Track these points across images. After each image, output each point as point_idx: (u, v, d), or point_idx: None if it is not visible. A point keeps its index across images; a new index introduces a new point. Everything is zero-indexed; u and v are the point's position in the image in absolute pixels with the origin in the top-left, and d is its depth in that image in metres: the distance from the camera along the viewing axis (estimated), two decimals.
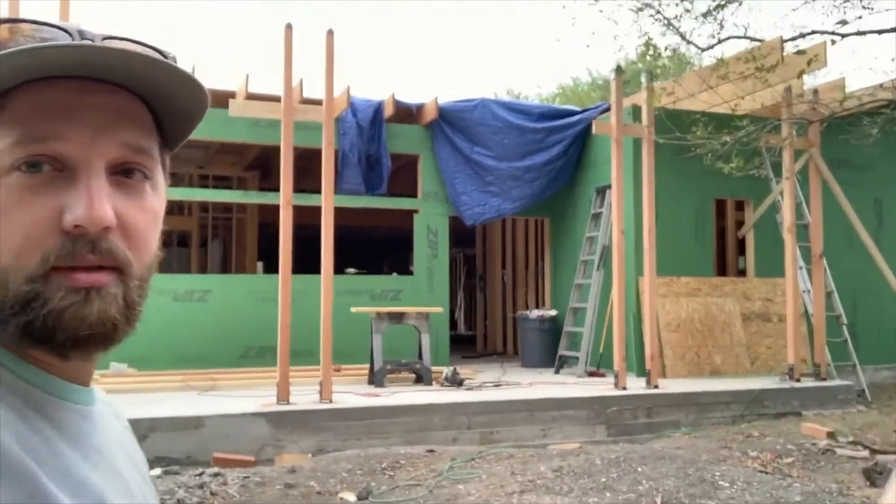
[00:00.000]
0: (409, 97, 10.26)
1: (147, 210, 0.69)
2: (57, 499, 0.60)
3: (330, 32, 7.02)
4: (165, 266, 12.38)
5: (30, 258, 0.62)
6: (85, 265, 0.64)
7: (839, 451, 6.17)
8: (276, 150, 8.56)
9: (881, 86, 7.70)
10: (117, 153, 0.66)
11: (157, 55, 0.66)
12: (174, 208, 12.25)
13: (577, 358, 9.21)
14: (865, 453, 6.05)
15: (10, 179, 0.63)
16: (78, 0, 8.69)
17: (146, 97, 0.69)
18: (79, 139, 0.64)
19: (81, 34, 0.65)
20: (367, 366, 8.26)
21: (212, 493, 4.84)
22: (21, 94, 0.64)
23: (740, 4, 7.88)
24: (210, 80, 9.77)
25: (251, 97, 9.03)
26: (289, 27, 6.84)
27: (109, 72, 0.65)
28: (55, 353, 0.65)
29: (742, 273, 10.57)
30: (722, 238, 10.78)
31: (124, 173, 0.67)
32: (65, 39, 0.64)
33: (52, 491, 0.60)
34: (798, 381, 8.30)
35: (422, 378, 8.07)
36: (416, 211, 10.27)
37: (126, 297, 0.67)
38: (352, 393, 7.26)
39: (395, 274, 11.55)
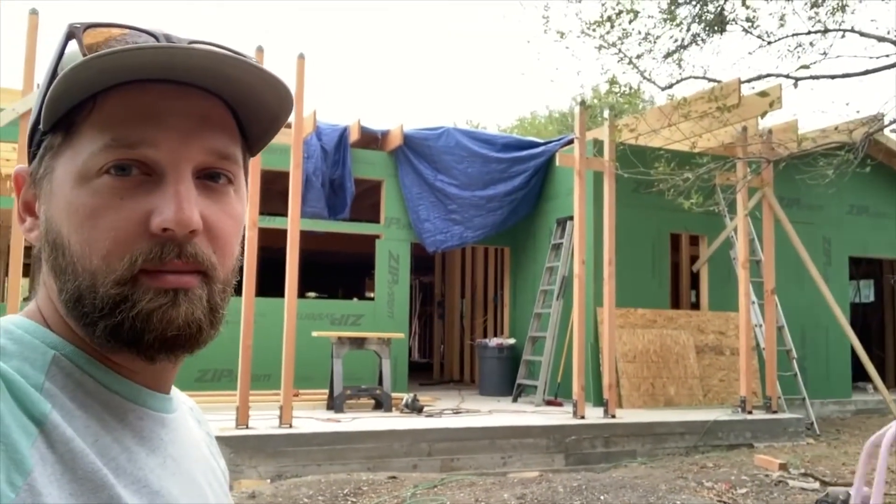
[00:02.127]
0: (374, 123, 10.33)
1: (231, 215, 0.69)
2: None
3: (301, 57, 7.05)
4: None
5: (117, 261, 0.63)
6: (172, 269, 0.64)
7: (791, 482, 6.32)
8: None
9: (836, 128, 8.00)
10: (204, 158, 0.67)
11: (244, 57, 0.66)
12: None
13: (535, 387, 9.27)
14: (816, 485, 6.21)
15: (100, 182, 0.64)
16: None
17: (230, 101, 0.69)
18: (168, 144, 0.65)
19: (168, 38, 0.66)
20: (326, 390, 8.20)
21: None
22: (110, 98, 0.64)
23: (701, 47, 8.13)
24: None
25: None
26: (259, 50, 6.85)
27: (199, 74, 0.65)
28: (142, 355, 0.65)
29: (695, 306, 10.79)
30: (676, 271, 11.00)
31: (210, 178, 0.68)
32: (152, 43, 0.64)
33: (126, 500, 0.60)
34: (750, 413, 8.48)
35: (381, 404, 8.04)
36: (378, 236, 10.29)
37: (210, 300, 0.67)
38: (312, 418, 7.20)
39: (355, 299, 11.52)
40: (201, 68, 0.65)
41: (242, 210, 0.72)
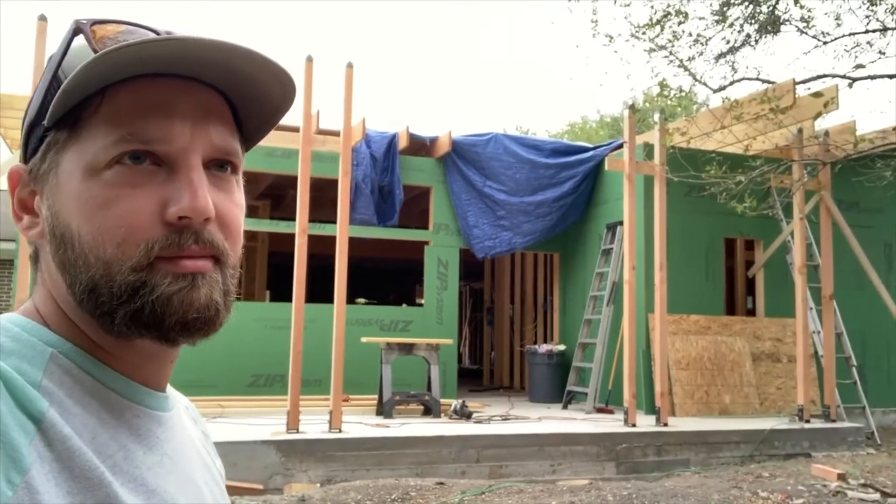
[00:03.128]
0: (423, 130, 10.37)
1: (238, 204, 0.71)
2: None
3: (349, 65, 7.13)
4: None
5: (133, 249, 0.64)
6: (190, 255, 0.65)
7: (850, 493, 6.12)
8: (289, 179, 8.65)
9: (894, 129, 7.76)
10: (209, 150, 0.68)
11: (252, 49, 0.66)
12: None
13: (585, 394, 9.17)
14: (877, 496, 6.01)
15: (111, 173, 0.64)
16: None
17: (232, 94, 0.70)
18: (179, 136, 0.66)
19: (169, 34, 0.67)
20: (375, 396, 8.24)
21: None
22: (119, 92, 0.65)
23: (754, 48, 7.98)
24: None
25: None
26: (309, 59, 6.95)
27: (208, 67, 0.66)
28: (163, 338, 0.66)
29: (751, 313, 10.56)
30: (731, 277, 10.78)
31: (217, 167, 0.69)
32: (167, 36, 0.65)
33: (123, 498, 0.60)
34: (808, 422, 8.26)
35: (430, 410, 8.04)
36: (427, 243, 10.32)
37: (224, 284, 0.68)
38: (361, 423, 7.24)
39: (404, 305, 11.56)
40: (211, 61, 0.65)
41: (244, 200, 0.74)
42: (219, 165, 0.69)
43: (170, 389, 0.77)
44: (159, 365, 0.72)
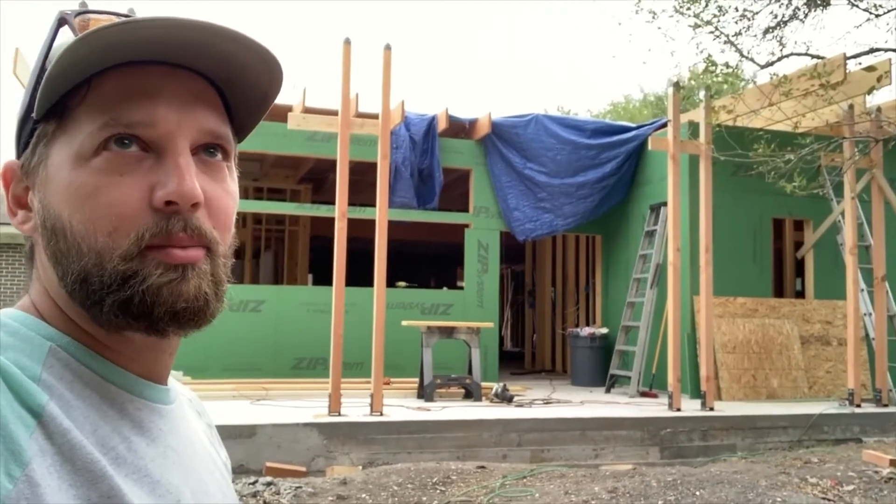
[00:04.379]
0: (462, 112, 10.29)
1: (228, 191, 0.70)
2: (130, 499, 0.60)
3: (388, 48, 7.08)
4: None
5: (124, 237, 0.63)
6: (178, 244, 0.64)
7: None
8: (330, 163, 8.66)
9: None
10: (196, 135, 0.67)
11: (237, 30, 0.65)
12: None
13: (628, 377, 9.07)
14: None
15: (98, 160, 0.64)
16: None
17: (220, 81, 0.69)
18: (166, 121, 0.65)
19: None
20: (417, 379, 8.26)
21: (265, 503, 4.86)
22: (105, 80, 0.65)
23: (803, 22, 7.73)
24: None
25: (308, 111, 9.14)
26: (347, 42, 6.92)
27: (194, 51, 0.65)
28: (153, 329, 0.65)
29: (800, 295, 10.32)
30: (779, 258, 10.54)
31: (206, 152, 0.68)
32: (148, 16, 0.64)
33: (125, 491, 0.60)
34: (858, 406, 8.05)
35: (471, 393, 8.03)
36: (467, 225, 10.27)
37: (215, 274, 0.68)
38: (402, 406, 7.26)
39: (444, 288, 11.55)
40: (197, 43, 0.64)
41: (237, 189, 0.72)
42: (208, 150, 0.68)
43: (172, 382, 0.76)
44: (157, 356, 0.71)
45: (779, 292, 10.35)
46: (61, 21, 0.68)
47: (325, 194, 12.27)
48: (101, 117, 0.64)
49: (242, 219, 12.66)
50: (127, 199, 0.63)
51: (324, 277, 9.65)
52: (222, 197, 0.69)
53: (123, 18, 0.64)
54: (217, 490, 0.74)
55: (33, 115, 0.67)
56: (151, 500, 0.63)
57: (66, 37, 0.67)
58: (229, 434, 5.94)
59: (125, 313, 0.64)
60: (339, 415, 6.50)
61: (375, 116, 7.29)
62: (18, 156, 0.70)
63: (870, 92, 7.98)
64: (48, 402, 0.58)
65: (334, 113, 7.29)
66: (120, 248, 0.63)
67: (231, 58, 0.66)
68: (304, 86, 10.28)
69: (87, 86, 0.65)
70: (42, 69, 0.66)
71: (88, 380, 0.64)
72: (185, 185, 0.64)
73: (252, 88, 0.71)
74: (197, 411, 0.83)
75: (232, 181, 0.71)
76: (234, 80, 0.69)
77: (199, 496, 0.70)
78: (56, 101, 0.66)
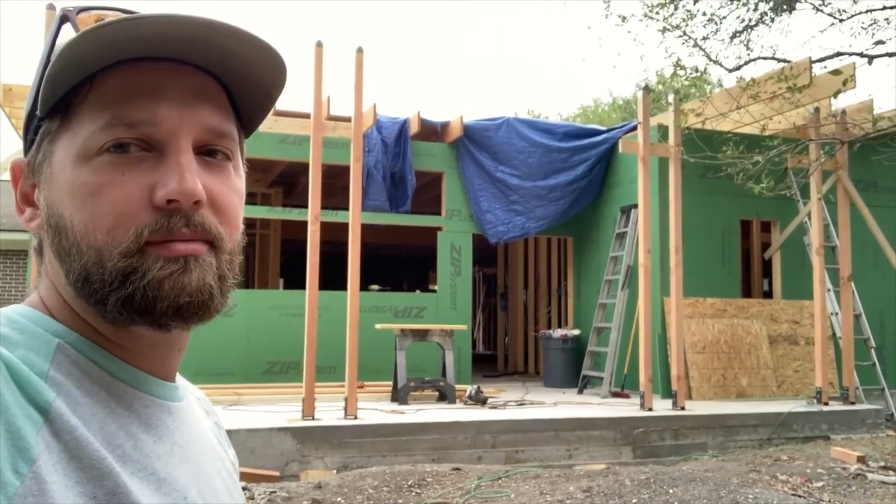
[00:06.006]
0: (434, 115, 10.31)
1: (233, 189, 0.70)
2: (137, 496, 0.60)
3: (360, 50, 7.07)
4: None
5: (122, 235, 0.63)
6: (180, 238, 0.64)
7: (870, 475, 6.07)
8: (301, 166, 8.62)
9: None
10: (201, 135, 0.67)
11: (239, 27, 0.65)
12: None
13: (600, 378, 9.14)
14: None
15: (100, 160, 0.64)
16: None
17: (224, 78, 0.69)
18: (168, 119, 0.65)
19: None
20: (390, 382, 8.24)
21: None
22: (108, 77, 0.64)
23: (769, 26, 7.86)
24: None
25: (279, 114, 9.09)
26: (319, 45, 6.89)
27: (197, 47, 0.65)
28: (156, 324, 0.65)
29: (768, 295, 10.47)
30: (747, 259, 10.69)
31: (208, 154, 0.68)
32: (152, 13, 0.64)
33: (132, 488, 0.60)
34: (826, 404, 8.19)
35: (445, 396, 8.03)
36: (439, 228, 10.28)
37: (219, 268, 0.67)
38: (376, 409, 7.24)
39: (417, 291, 11.54)
40: (200, 40, 0.64)
41: (243, 186, 0.72)
42: (210, 153, 0.68)
43: (180, 380, 0.76)
44: (165, 353, 0.71)
45: (747, 293, 10.49)
46: (63, 18, 0.67)
47: (296, 198, 12.20)
48: (103, 115, 0.64)
49: None
50: (127, 198, 0.63)
51: (295, 281, 9.59)
52: (226, 193, 0.68)
53: (125, 15, 0.65)
54: (223, 488, 0.74)
55: (37, 112, 0.67)
56: (158, 498, 0.63)
57: (68, 34, 0.66)
58: None
59: (128, 310, 0.63)
60: (313, 419, 6.47)
61: (347, 119, 7.27)
62: (26, 153, 0.70)
63: (835, 95, 8.14)
64: (55, 399, 0.58)
65: (306, 116, 7.26)
66: (119, 245, 0.63)
67: (234, 54, 0.66)
68: None
69: (90, 83, 0.64)
70: (45, 67, 0.66)
71: (96, 377, 0.64)
72: (186, 183, 0.64)
73: (256, 84, 0.70)
74: (205, 409, 0.83)
75: (238, 178, 0.71)
76: (238, 76, 0.69)
77: (206, 494, 0.70)
78: (60, 99, 0.65)
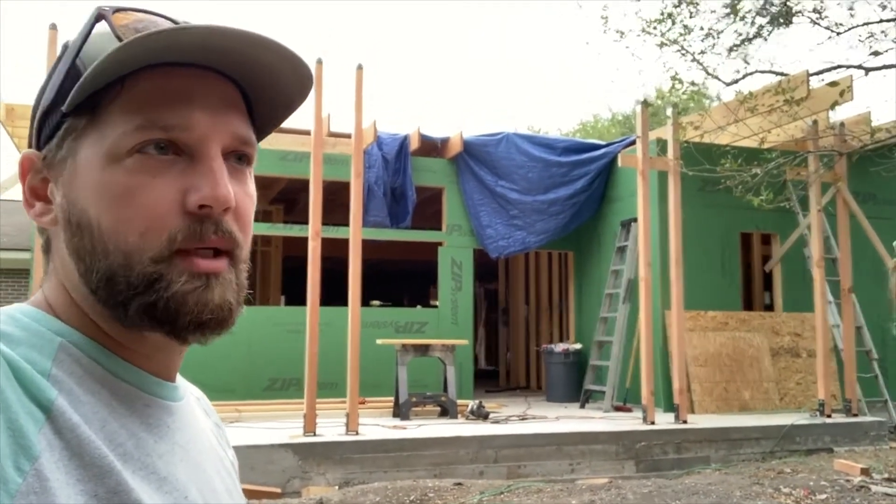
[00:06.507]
0: (434, 131, 10.35)
1: (250, 195, 0.71)
2: (138, 494, 0.60)
3: (359, 67, 7.12)
4: None
5: (156, 239, 0.63)
6: (209, 247, 0.65)
7: (874, 487, 6.04)
8: (302, 183, 8.66)
9: None
10: (229, 141, 0.68)
11: (275, 40, 0.66)
12: None
13: (603, 392, 9.12)
14: None
15: (132, 161, 0.64)
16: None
17: (248, 85, 0.70)
18: (200, 125, 0.65)
19: (187, 24, 0.66)
20: (392, 398, 8.23)
21: None
22: (140, 80, 0.65)
23: (766, 40, 7.91)
24: None
25: (280, 130, 9.14)
26: (319, 62, 6.94)
27: (228, 57, 0.66)
28: (175, 335, 0.66)
29: (769, 308, 10.46)
30: (748, 272, 10.69)
31: (236, 159, 0.69)
32: (196, 24, 0.64)
33: (133, 486, 0.60)
34: (829, 416, 8.16)
35: (447, 411, 8.02)
36: (440, 244, 10.30)
37: (238, 281, 0.68)
38: (378, 425, 7.22)
39: (419, 306, 11.55)
40: (236, 51, 0.65)
41: (255, 191, 0.73)
42: (237, 157, 0.69)
43: (180, 380, 0.77)
44: (169, 355, 0.72)
45: (748, 306, 10.49)
46: (99, 16, 0.67)
47: (297, 214, 12.23)
48: (136, 118, 0.64)
49: None
50: (160, 202, 0.64)
51: (296, 298, 9.60)
52: (245, 200, 0.69)
53: (174, 24, 0.66)
54: (223, 487, 0.75)
55: (63, 108, 0.66)
56: (158, 496, 0.63)
57: (102, 32, 0.67)
58: None
59: (149, 317, 0.64)
60: (315, 435, 6.46)
61: (348, 136, 7.32)
62: (38, 147, 0.70)
63: (833, 107, 8.18)
64: (57, 398, 0.59)
65: (307, 132, 7.30)
66: (151, 249, 0.63)
67: (265, 66, 0.67)
68: None
69: (121, 84, 0.65)
70: (73, 63, 0.66)
71: (98, 376, 0.64)
72: (220, 189, 0.64)
73: (279, 95, 0.71)
74: (205, 409, 0.84)
75: (252, 183, 0.72)
76: (263, 86, 0.70)
77: (206, 493, 0.70)
78: (87, 97, 0.65)
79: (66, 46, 0.70)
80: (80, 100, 0.65)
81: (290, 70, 0.68)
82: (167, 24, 0.67)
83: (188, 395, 0.77)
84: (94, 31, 0.67)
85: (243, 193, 0.69)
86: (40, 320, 0.65)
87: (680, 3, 7.91)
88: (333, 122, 9.18)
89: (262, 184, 11.38)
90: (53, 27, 6.09)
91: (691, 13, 7.83)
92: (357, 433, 6.58)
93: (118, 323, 0.66)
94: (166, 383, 0.71)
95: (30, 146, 0.72)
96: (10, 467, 0.53)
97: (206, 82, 0.67)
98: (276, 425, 7.08)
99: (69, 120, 0.67)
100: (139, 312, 0.64)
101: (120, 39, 0.64)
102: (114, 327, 0.67)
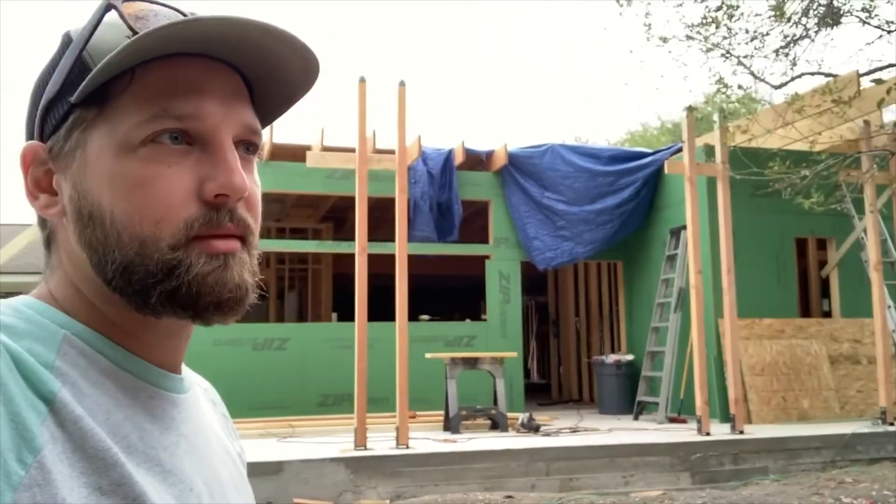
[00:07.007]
0: (479, 145, 10.39)
1: (257, 183, 0.71)
2: (142, 487, 0.60)
3: (402, 84, 7.20)
4: (243, 316, 12.66)
5: (172, 227, 0.64)
6: (225, 233, 0.66)
7: None
8: (350, 200, 8.77)
9: None
10: (239, 130, 0.68)
11: (290, 33, 0.66)
12: None
13: (656, 403, 8.98)
14: None
15: (146, 151, 0.64)
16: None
17: (255, 76, 0.70)
18: (213, 116, 0.66)
19: (194, 14, 0.67)
20: (442, 412, 8.23)
21: None
22: (151, 71, 0.65)
23: (813, 40, 7.76)
24: (287, 135, 10.10)
25: (326, 149, 9.28)
26: (362, 81, 7.04)
27: (240, 47, 0.66)
28: (198, 317, 0.66)
29: (827, 314, 10.20)
30: (804, 278, 10.45)
31: (245, 149, 0.70)
32: (214, 15, 0.64)
33: (137, 478, 0.60)
34: (892, 424, 7.91)
35: (497, 424, 7.99)
36: (487, 257, 10.30)
37: (251, 264, 0.69)
38: (428, 439, 7.24)
39: (468, 320, 11.55)
40: (248, 42, 0.65)
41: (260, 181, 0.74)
42: (245, 147, 0.70)
43: (187, 371, 0.77)
44: (177, 343, 0.72)
45: (805, 312, 10.24)
46: (108, 6, 0.67)
47: (347, 232, 12.35)
48: (149, 108, 0.64)
49: (266, 259, 12.79)
50: (176, 190, 0.64)
51: (348, 315, 9.72)
52: (254, 188, 0.70)
53: (187, 15, 0.67)
54: (229, 479, 0.75)
55: (71, 99, 0.66)
56: (163, 488, 0.63)
57: (112, 22, 0.67)
58: (256, 471, 5.96)
59: (172, 303, 0.64)
60: (366, 449, 6.50)
61: (393, 152, 7.38)
62: (40, 138, 0.69)
63: (879, 105, 7.96)
64: (60, 390, 0.58)
65: (352, 150, 7.40)
66: (167, 237, 0.64)
67: (275, 57, 0.67)
68: (322, 125, 10.44)
69: (130, 74, 0.64)
70: (80, 54, 0.66)
71: (103, 367, 0.64)
72: (236, 179, 0.65)
73: (285, 86, 0.72)
74: (212, 401, 0.84)
75: (256, 172, 0.73)
76: (269, 77, 0.70)
77: (212, 485, 0.70)
78: (96, 87, 0.65)
79: (67, 36, 0.69)
80: (90, 90, 0.64)
81: (300, 62, 0.68)
82: (173, 14, 0.68)
83: (194, 387, 0.77)
84: (104, 21, 0.67)
85: (251, 181, 0.69)
86: (44, 312, 0.65)
87: (720, 7, 7.81)
88: (380, 137, 9.29)
89: (311, 202, 11.57)
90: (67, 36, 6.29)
91: (731, 16, 7.73)
92: (407, 447, 6.60)
93: (134, 312, 0.66)
94: (172, 375, 0.71)
95: (28, 137, 0.71)
96: (13, 460, 0.53)
97: (217, 73, 0.67)
98: (329, 440, 7.15)
99: (78, 111, 0.66)
100: (161, 299, 0.64)
101: (132, 30, 0.64)
102: (126, 317, 0.67)
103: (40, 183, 0.69)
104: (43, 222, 0.71)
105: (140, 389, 0.67)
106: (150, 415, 0.66)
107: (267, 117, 0.75)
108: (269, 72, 0.69)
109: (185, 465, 0.67)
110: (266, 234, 12.30)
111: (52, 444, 0.56)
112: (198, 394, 0.78)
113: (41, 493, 0.53)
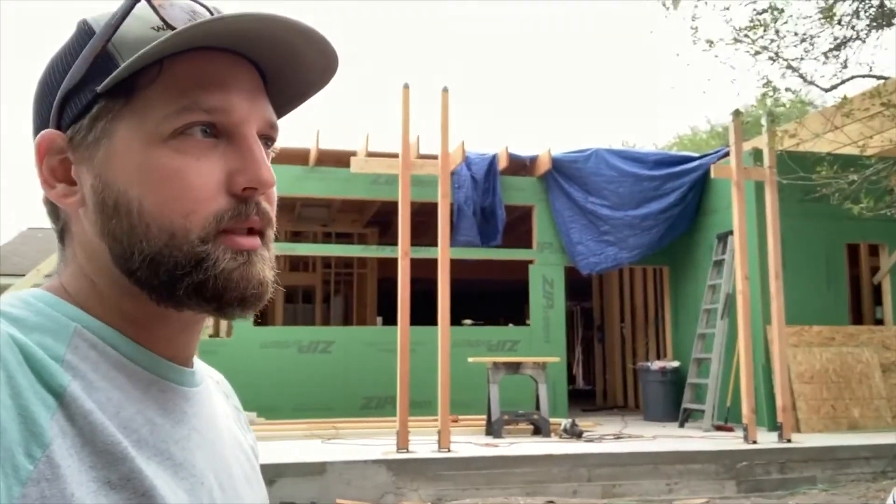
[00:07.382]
0: (522, 150, 10.39)
1: (274, 178, 0.71)
2: (153, 481, 0.60)
3: (445, 90, 7.26)
4: (290, 319, 12.87)
5: (202, 219, 0.64)
6: (252, 226, 0.67)
7: None
8: (395, 205, 8.86)
9: None
10: (262, 125, 0.69)
11: (316, 30, 0.66)
12: (299, 265, 12.76)
13: (702, 411, 8.87)
14: None
15: (175, 143, 0.64)
16: None
17: (274, 72, 0.71)
18: (239, 110, 0.67)
19: (216, 10, 0.69)
20: (484, 416, 8.25)
21: None
22: (179, 63, 0.65)
23: (864, 41, 7.60)
24: (331, 141, 10.25)
25: (371, 155, 9.39)
26: (406, 87, 7.12)
27: (267, 43, 0.66)
28: (221, 311, 0.66)
29: (880, 322, 9.96)
30: (856, 285, 10.21)
31: (265, 143, 0.70)
32: (253, 11, 0.64)
33: (148, 473, 0.60)
34: None
35: (540, 429, 7.98)
36: (531, 262, 10.29)
37: (271, 259, 0.70)
38: (470, 443, 7.26)
39: (511, 325, 11.56)
40: (274, 38, 0.66)
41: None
42: (264, 141, 0.70)
43: (199, 364, 0.76)
44: (190, 337, 0.72)
45: (857, 319, 10.01)
46: None
47: (392, 237, 12.43)
48: (178, 101, 0.64)
49: (312, 263, 12.97)
50: (206, 183, 0.65)
51: (393, 319, 9.81)
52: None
53: (206, 8, 0.69)
54: (241, 473, 0.75)
55: (98, 88, 0.65)
56: (174, 482, 0.63)
57: (143, 14, 0.67)
58: (300, 471, 6.07)
59: (198, 296, 0.65)
60: (408, 451, 6.56)
61: (436, 157, 7.45)
62: (58, 127, 0.68)
63: None
64: (70, 383, 0.58)
65: (396, 155, 7.48)
66: (198, 229, 0.64)
67: (296, 54, 0.68)
68: (367, 131, 10.54)
69: (159, 67, 0.64)
70: (107, 41, 0.66)
71: (114, 361, 0.64)
72: (265, 172, 0.66)
73: (299, 83, 0.73)
74: (224, 393, 0.83)
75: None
76: (286, 73, 0.71)
77: (223, 478, 0.70)
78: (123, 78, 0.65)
79: (85, 24, 0.69)
80: (117, 80, 0.64)
81: (321, 59, 0.69)
82: (200, 9, 0.69)
83: (206, 380, 0.77)
84: (134, 13, 0.67)
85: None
86: (55, 305, 0.64)
87: (766, 9, 7.70)
88: (424, 142, 9.36)
89: (356, 207, 11.69)
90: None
91: (775, 18, 7.61)
92: (449, 450, 6.64)
93: (154, 304, 0.66)
94: (184, 369, 0.71)
95: (39, 127, 0.70)
96: (22, 454, 0.53)
97: (241, 68, 0.68)
98: (371, 442, 7.22)
99: (103, 101, 0.66)
100: (189, 291, 0.64)
101: (168, 24, 0.65)
102: (142, 310, 0.67)
103: (56, 172, 0.68)
104: (55, 215, 0.71)
105: (151, 383, 0.67)
106: (162, 408, 0.66)
107: (281, 111, 0.75)
108: (287, 67, 0.70)
109: (197, 459, 0.67)
110: (312, 238, 12.48)
111: (61, 439, 0.56)
112: (210, 387, 0.78)
113: (49, 488, 0.53)
